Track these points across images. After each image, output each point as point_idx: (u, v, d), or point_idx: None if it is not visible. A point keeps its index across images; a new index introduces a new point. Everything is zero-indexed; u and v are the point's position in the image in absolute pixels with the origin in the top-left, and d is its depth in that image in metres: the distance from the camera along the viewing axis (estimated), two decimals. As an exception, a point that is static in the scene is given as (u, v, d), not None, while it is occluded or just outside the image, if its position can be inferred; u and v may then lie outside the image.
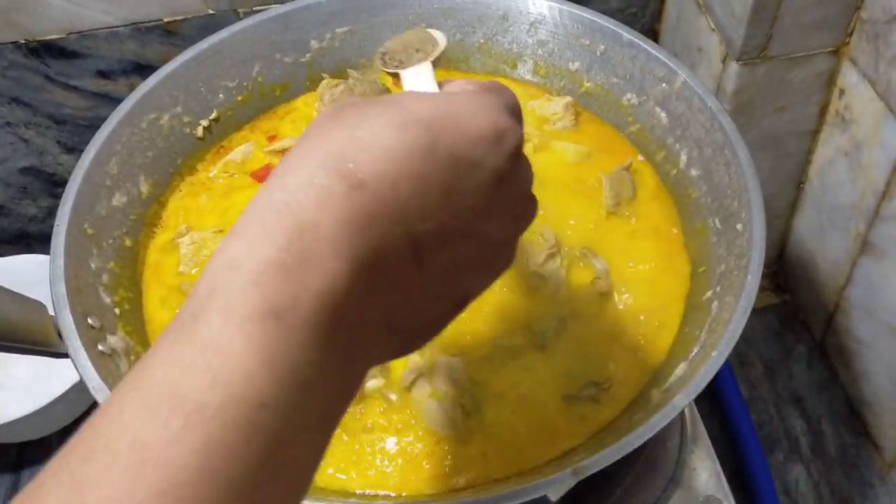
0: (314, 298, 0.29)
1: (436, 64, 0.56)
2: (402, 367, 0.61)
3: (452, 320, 0.38)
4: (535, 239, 0.67)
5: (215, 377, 0.27)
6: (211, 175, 0.75)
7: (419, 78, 0.55)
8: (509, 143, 0.35)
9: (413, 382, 0.60)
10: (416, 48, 0.59)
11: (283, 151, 0.74)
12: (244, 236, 0.31)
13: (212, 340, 0.28)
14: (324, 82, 0.78)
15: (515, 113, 0.39)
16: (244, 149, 0.76)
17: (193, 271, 0.66)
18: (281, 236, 0.30)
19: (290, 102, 0.80)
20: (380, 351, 0.34)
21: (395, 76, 0.57)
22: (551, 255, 0.66)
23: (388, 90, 0.79)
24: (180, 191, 0.74)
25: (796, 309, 1.05)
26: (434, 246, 0.33)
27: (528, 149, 0.73)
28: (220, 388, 0.27)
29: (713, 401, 0.97)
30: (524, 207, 0.39)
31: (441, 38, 0.59)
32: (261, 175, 0.73)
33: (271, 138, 0.77)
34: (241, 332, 0.28)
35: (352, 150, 0.32)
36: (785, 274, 1.06)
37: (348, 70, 0.80)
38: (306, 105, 0.80)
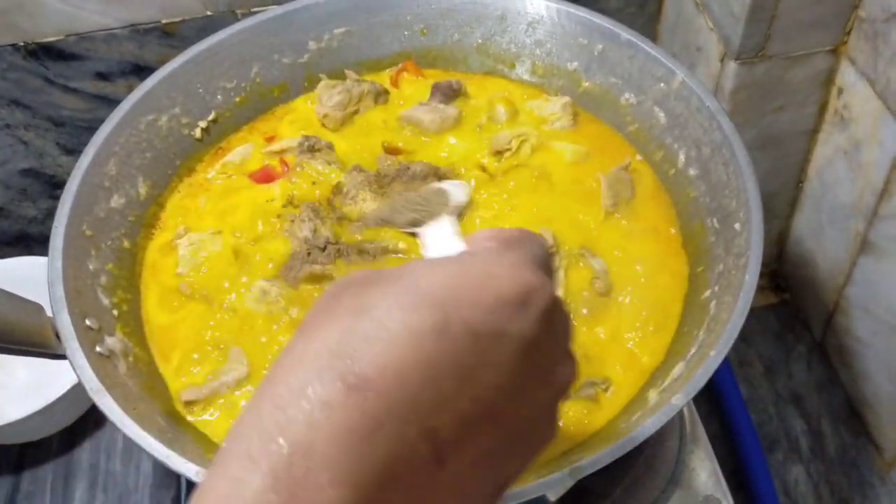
0: None
1: (459, 216, 0.52)
2: None
3: None
4: None
5: None
6: (209, 176, 0.75)
7: (440, 235, 0.49)
8: (538, 304, 0.30)
9: None
10: (436, 202, 0.57)
11: (281, 152, 0.74)
12: (227, 470, 0.27)
13: None
14: (322, 83, 0.78)
15: (544, 266, 0.34)
16: (242, 150, 0.76)
17: (191, 273, 0.66)
18: (268, 467, 0.26)
19: (289, 103, 0.80)
20: None
21: (413, 235, 0.53)
22: (549, 256, 0.66)
23: (386, 91, 0.79)
24: (179, 192, 0.74)
25: (796, 308, 1.05)
26: (456, 439, 0.28)
27: (525, 150, 0.73)
28: None
29: (713, 401, 0.97)
30: (563, 370, 0.33)
31: (460, 192, 0.55)
32: (258, 176, 0.73)
33: (269, 139, 0.77)
34: None
35: (351, 343, 0.28)
36: (784, 273, 1.06)
37: (346, 71, 0.80)
38: (305, 105, 0.80)
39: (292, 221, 0.67)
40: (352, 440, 0.26)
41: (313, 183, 0.71)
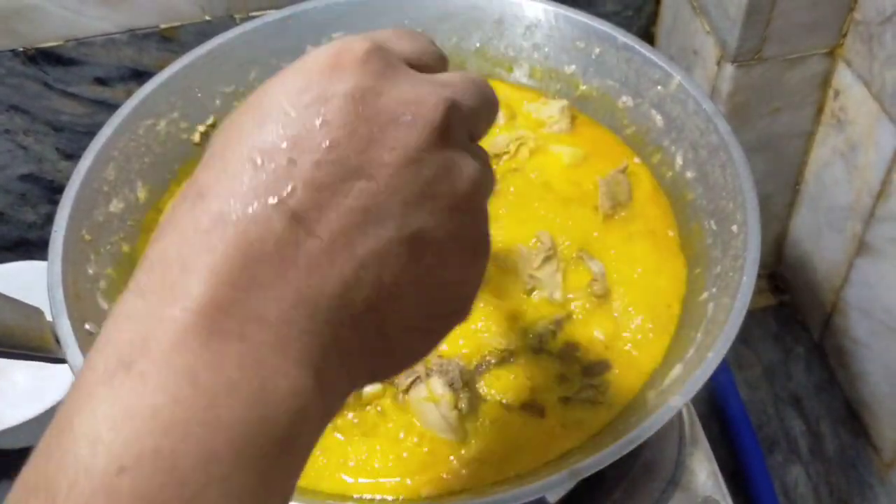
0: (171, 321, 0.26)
1: None
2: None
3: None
4: (532, 243, 0.67)
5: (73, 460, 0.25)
6: None
7: None
8: (355, 56, 0.30)
9: (410, 385, 0.60)
10: None
11: None
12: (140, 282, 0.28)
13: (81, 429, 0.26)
14: None
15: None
16: None
17: None
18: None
19: None
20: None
21: None
22: (548, 259, 0.66)
23: None
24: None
25: (794, 310, 1.05)
26: (313, 205, 0.28)
27: (523, 153, 0.74)
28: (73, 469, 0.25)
29: (712, 402, 0.97)
30: (413, 111, 0.30)
31: None
32: None
33: None
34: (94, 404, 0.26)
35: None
36: (783, 275, 1.06)
37: None
38: None
39: None
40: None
41: None
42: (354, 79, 0.29)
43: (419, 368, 0.60)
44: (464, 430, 0.59)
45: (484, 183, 0.33)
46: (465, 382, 0.59)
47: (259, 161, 0.28)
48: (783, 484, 0.96)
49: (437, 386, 0.59)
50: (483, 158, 0.34)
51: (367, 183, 0.28)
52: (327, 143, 0.28)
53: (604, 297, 0.65)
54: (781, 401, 1.01)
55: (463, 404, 0.59)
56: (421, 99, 0.30)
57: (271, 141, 0.28)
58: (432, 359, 0.61)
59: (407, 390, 0.60)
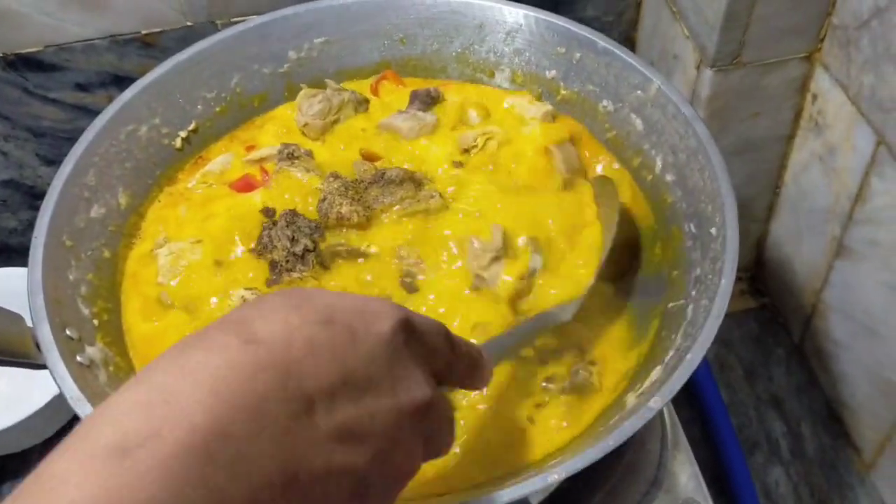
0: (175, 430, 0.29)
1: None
2: None
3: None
4: (484, 236, 0.67)
5: None
6: (190, 185, 0.75)
7: None
8: (390, 319, 0.38)
9: None
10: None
11: (260, 160, 0.75)
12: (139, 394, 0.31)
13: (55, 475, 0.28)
14: (302, 92, 0.79)
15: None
16: (222, 159, 0.76)
17: (172, 282, 0.66)
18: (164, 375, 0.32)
19: (268, 112, 0.81)
20: None
21: None
22: (495, 259, 0.66)
23: (366, 100, 0.80)
24: (159, 201, 0.74)
25: (775, 312, 1.06)
26: (323, 399, 0.34)
27: (492, 146, 0.74)
28: None
29: (693, 404, 0.98)
30: (411, 389, 0.38)
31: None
32: (239, 185, 0.73)
33: (249, 148, 0.77)
34: (83, 467, 0.28)
35: (247, 316, 0.34)
36: (763, 278, 1.07)
37: (326, 80, 0.80)
38: (285, 114, 0.80)
39: (270, 231, 0.67)
40: (237, 378, 0.31)
41: (291, 192, 0.71)
42: (389, 336, 0.37)
43: None
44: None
45: (428, 416, 0.38)
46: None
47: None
48: (764, 485, 0.97)
49: None
50: (444, 411, 0.41)
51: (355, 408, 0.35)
52: (352, 367, 0.35)
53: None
54: (762, 402, 1.02)
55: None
56: (414, 398, 0.37)
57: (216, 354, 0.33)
58: None
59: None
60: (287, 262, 0.65)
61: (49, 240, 0.63)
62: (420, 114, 0.77)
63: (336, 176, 0.71)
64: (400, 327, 0.37)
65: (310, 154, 0.74)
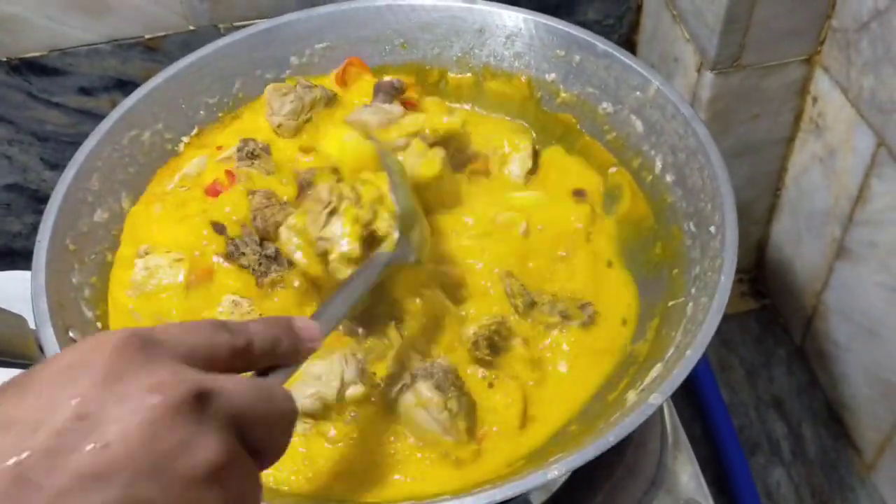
0: None
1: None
2: (382, 371, 0.62)
3: None
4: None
5: None
6: (168, 188, 0.75)
7: None
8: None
9: (397, 394, 0.60)
10: None
11: (228, 160, 0.74)
12: None
13: None
14: (270, 87, 0.78)
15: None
16: (198, 161, 0.76)
17: (139, 299, 0.66)
18: None
19: (236, 111, 0.80)
20: None
21: None
22: (332, 213, 0.63)
23: (336, 96, 0.79)
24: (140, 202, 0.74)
25: (776, 313, 1.06)
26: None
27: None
28: None
29: (694, 405, 0.98)
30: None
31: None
32: (209, 190, 0.73)
33: (219, 149, 0.77)
34: None
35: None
36: (764, 279, 1.07)
37: (295, 76, 0.80)
38: (252, 113, 0.79)
39: (234, 239, 0.67)
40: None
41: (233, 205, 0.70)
42: (103, 364, 0.33)
43: (404, 375, 0.61)
44: (457, 429, 0.59)
45: (229, 480, 0.34)
46: (451, 382, 0.60)
47: (7, 428, 0.32)
48: (765, 486, 0.97)
49: (424, 389, 0.59)
50: (249, 470, 0.36)
51: (102, 450, 0.31)
52: (71, 415, 0.32)
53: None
54: (763, 403, 1.02)
55: (453, 404, 0.59)
56: (162, 381, 0.34)
57: (22, 411, 0.32)
58: (415, 364, 0.61)
59: (395, 400, 0.60)
60: (260, 264, 0.66)
61: (53, 243, 0.64)
62: (387, 106, 0.76)
63: (254, 192, 0.70)
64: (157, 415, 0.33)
65: (267, 149, 0.74)
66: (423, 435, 0.60)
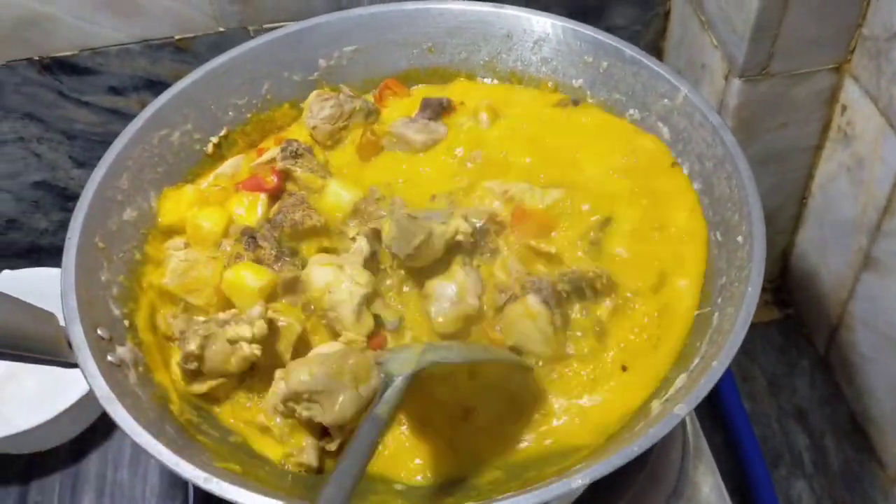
0: None
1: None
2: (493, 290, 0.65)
3: None
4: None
5: None
6: (203, 186, 0.76)
7: None
8: None
9: (505, 303, 0.63)
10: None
11: (270, 162, 0.75)
12: None
13: None
14: (314, 93, 0.79)
15: None
16: (233, 162, 0.77)
17: (177, 285, 0.68)
18: None
19: (265, 112, 0.81)
20: None
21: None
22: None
23: (378, 111, 0.80)
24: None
25: (799, 324, 1.05)
26: None
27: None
28: None
29: (716, 415, 0.97)
30: None
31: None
32: (248, 184, 0.74)
33: (260, 152, 0.78)
34: None
35: None
36: (788, 289, 1.07)
37: (341, 85, 0.81)
38: (284, 116, 0.81)
39: (251, 233, 0.69)
40: None
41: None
42: None
43: (513, 286, 0.64)
44: (557, 343, 0.62)
45: None
46: (557, 301, 0.63)
47: None
48: (787, 498, 0.96)
49: (534, 303, 0.62)
50: None
51: None
52: None
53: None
54: (786, 414, 1.01)
55: (557, 320, 0.62)
56: None
57: None
58: (525, 277, 0.64)
59: (502, 308, 0.63)
60: (276, 257, 0.67)
61: (82, 241, 0.64)
62: (432, 124, 0.77)
63: (292, 193, 0.73)
64: None
65: (310, 150, 0.74)
66: (524, 343, 0.63)
